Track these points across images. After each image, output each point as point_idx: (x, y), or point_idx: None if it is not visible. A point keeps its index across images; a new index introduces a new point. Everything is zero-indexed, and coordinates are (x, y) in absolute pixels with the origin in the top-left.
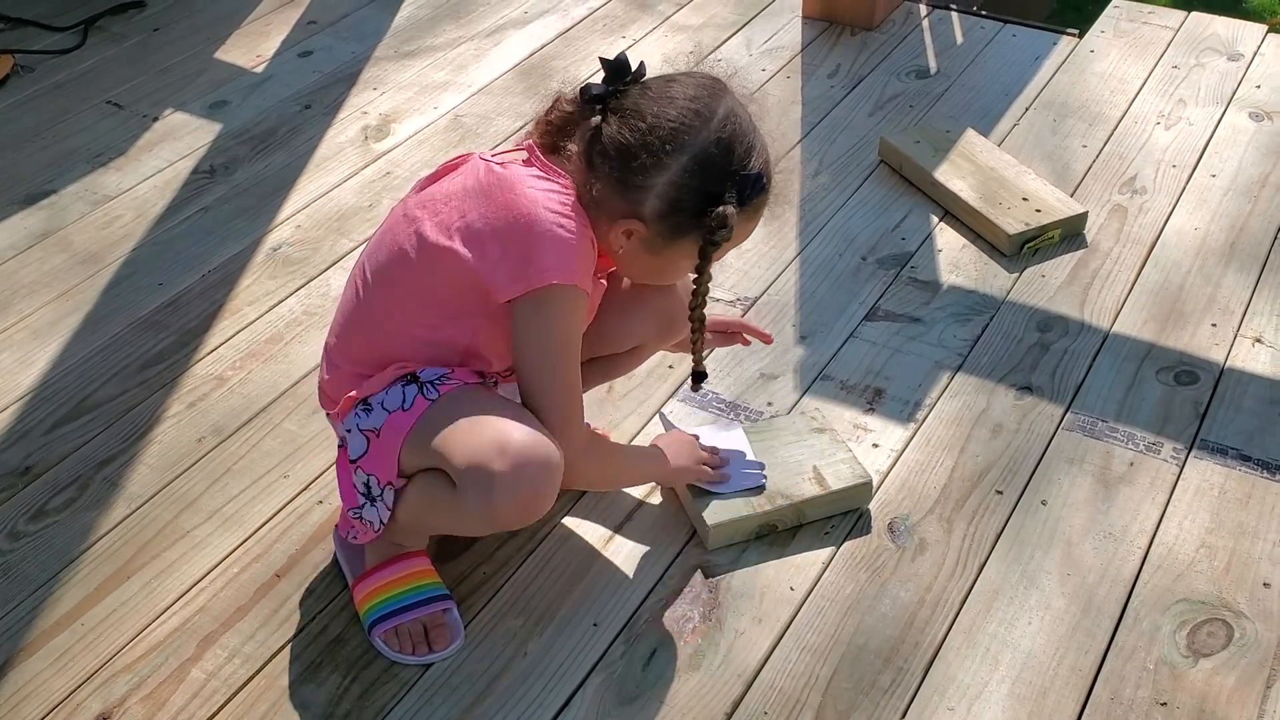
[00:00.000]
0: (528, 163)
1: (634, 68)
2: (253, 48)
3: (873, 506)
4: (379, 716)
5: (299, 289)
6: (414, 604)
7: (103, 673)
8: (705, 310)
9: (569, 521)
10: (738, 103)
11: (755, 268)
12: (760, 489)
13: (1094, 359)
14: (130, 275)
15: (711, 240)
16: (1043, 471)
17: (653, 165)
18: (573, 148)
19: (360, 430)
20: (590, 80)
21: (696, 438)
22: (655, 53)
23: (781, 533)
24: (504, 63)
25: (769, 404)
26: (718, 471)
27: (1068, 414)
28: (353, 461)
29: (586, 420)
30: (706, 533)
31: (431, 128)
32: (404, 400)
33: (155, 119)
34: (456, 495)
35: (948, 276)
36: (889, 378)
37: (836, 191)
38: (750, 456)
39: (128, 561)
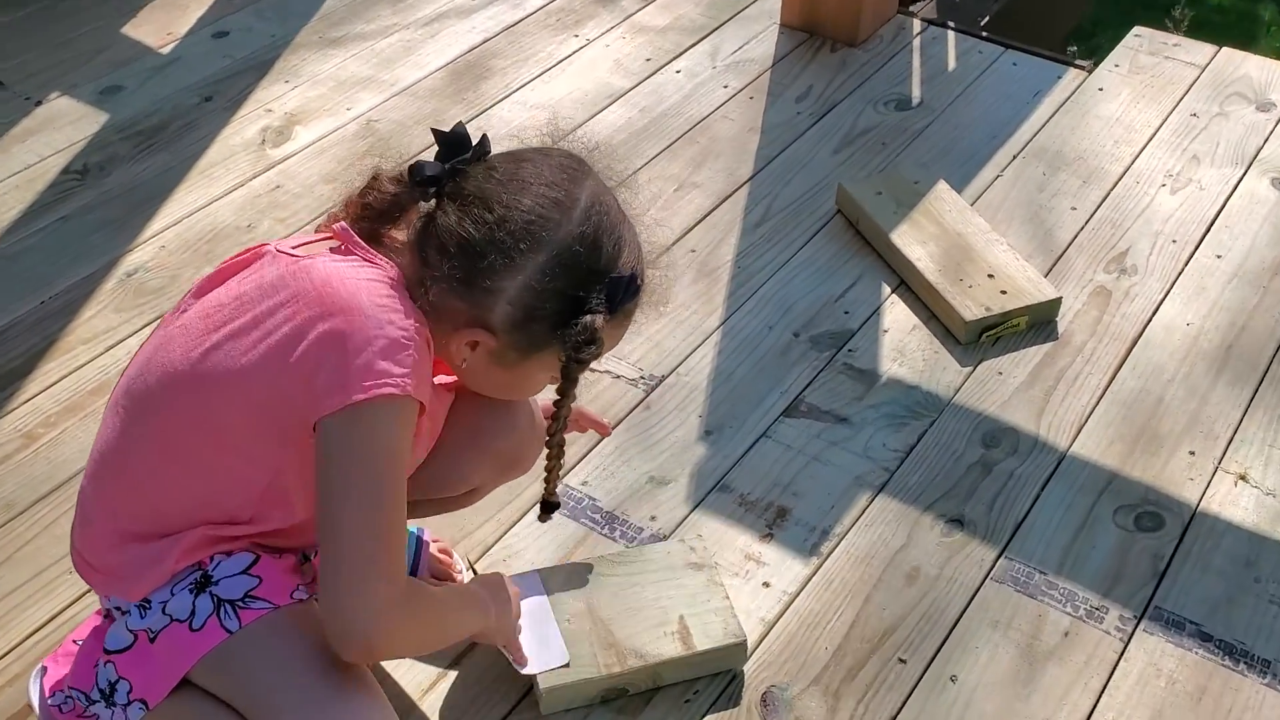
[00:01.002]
0: (341, 251)
1: (475, 141)
2: (166, 23)
3: (748, 668)
4: None
5: (144, 326)
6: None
7: None
8: (563, 432)
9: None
10: (603, 188)
11: (669, 338)
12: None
13: (1043, 487)
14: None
15: (577, 358)
16: (959, 636)
17: (503, 266)
18: (400, 236)
19: (129, 628)
20: (427, 155)
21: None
22: (606, 58)
23: (634, 696)
24: (436, 59)
25: (652, 518)
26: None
27: (1000, 559)
28: (107, 651)
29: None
30: (540, 696)
31: (339, 134)
32: (193, 616)
33: (38, 103)
34: None
35: (889, 365)
36: (798, 494)
37: (780, 246)
38: (551, 624)
39: None
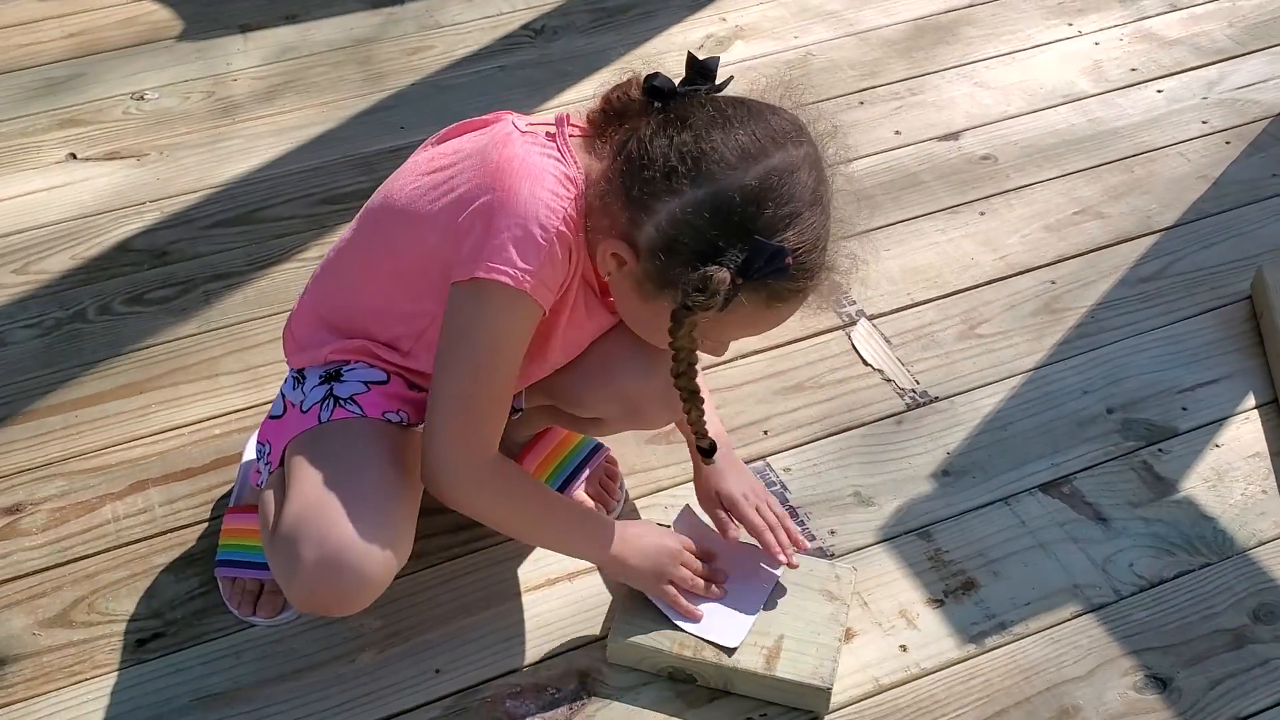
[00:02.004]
0: (551, 136)
1: (719, 79)
2: None
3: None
4: (193, 642)
5: None
6: (264, 564)
7: (51, 469)
8: (693, 378)
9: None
10: (810, 164)
11: (966, 362)
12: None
13: None
14: (389, 109)
15: (686, 303)
16: None
17: (663, 188)
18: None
19: (282, 393)
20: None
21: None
22: (1086, 57)
23: (701, 689)
24: (910, 10)
25: (831, 532)
26: (689, 601)
27: None
28: (271, 416)
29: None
30: (610, 641)
31: (771, 59)
32: (309, 398)
33: None
34: (271, 536)
35: (1196, 485)
36: (999, 574)
37: (1154, 311)
38: (757, 611)
39: (154, 378)
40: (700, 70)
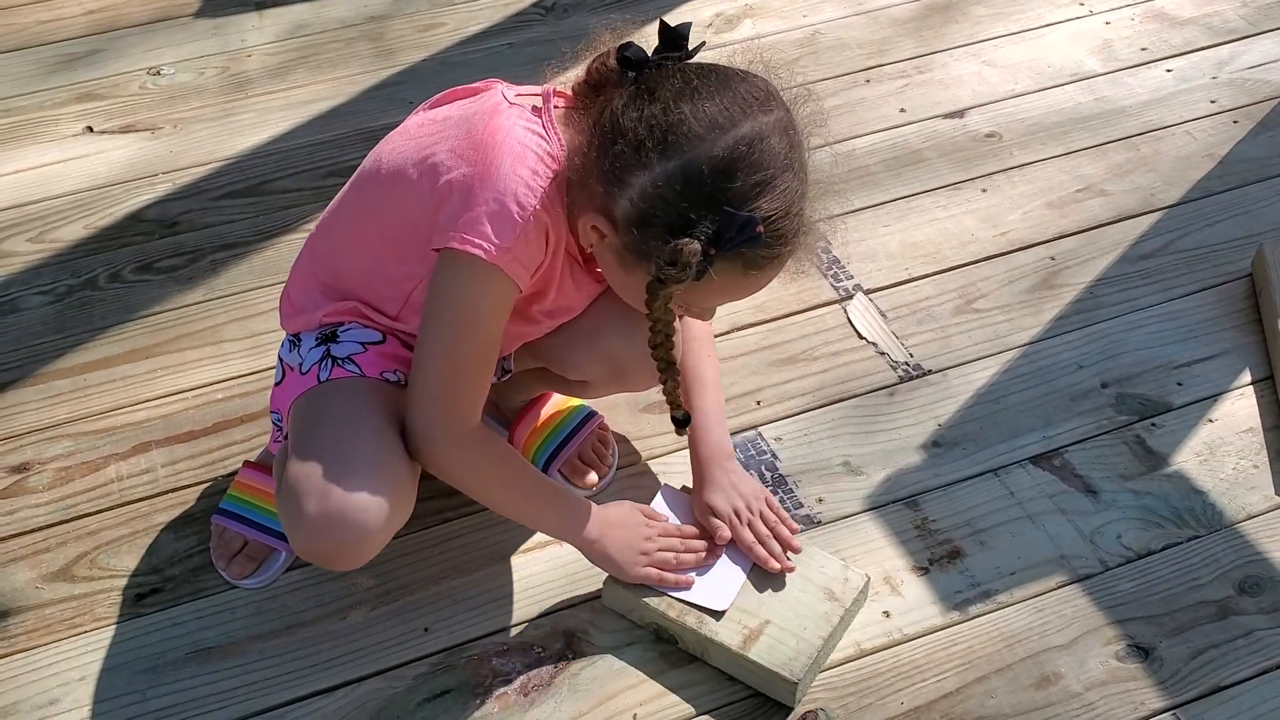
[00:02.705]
0: (537, 110)
1: (692, 44)
2: None
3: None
4: (190, 597)
5: None
6: (258, 525)
7: (59, 430)
8: (670, 349)
9: None
10: (781, 130)
11: (962, 336)
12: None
13: None
14: (398, 84)
15: (658, 276)
16: None
17: (633, 161)
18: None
19: (283, 360)
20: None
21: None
22: (1097, 36)
23: (683, 652)
24: None
25: (819, 500)
26: (672, 572)
27: (1166, 714)
28: (275, 383)
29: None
30: (605, 584)
31: (779, 37)
32: (307, 360)
33: None
34: (280, 492)
35: (1187, 458)
36: (985, 544)
37: (1153, 288)
38: (748, 570)
39: (161, 343)
40: (671, 39)
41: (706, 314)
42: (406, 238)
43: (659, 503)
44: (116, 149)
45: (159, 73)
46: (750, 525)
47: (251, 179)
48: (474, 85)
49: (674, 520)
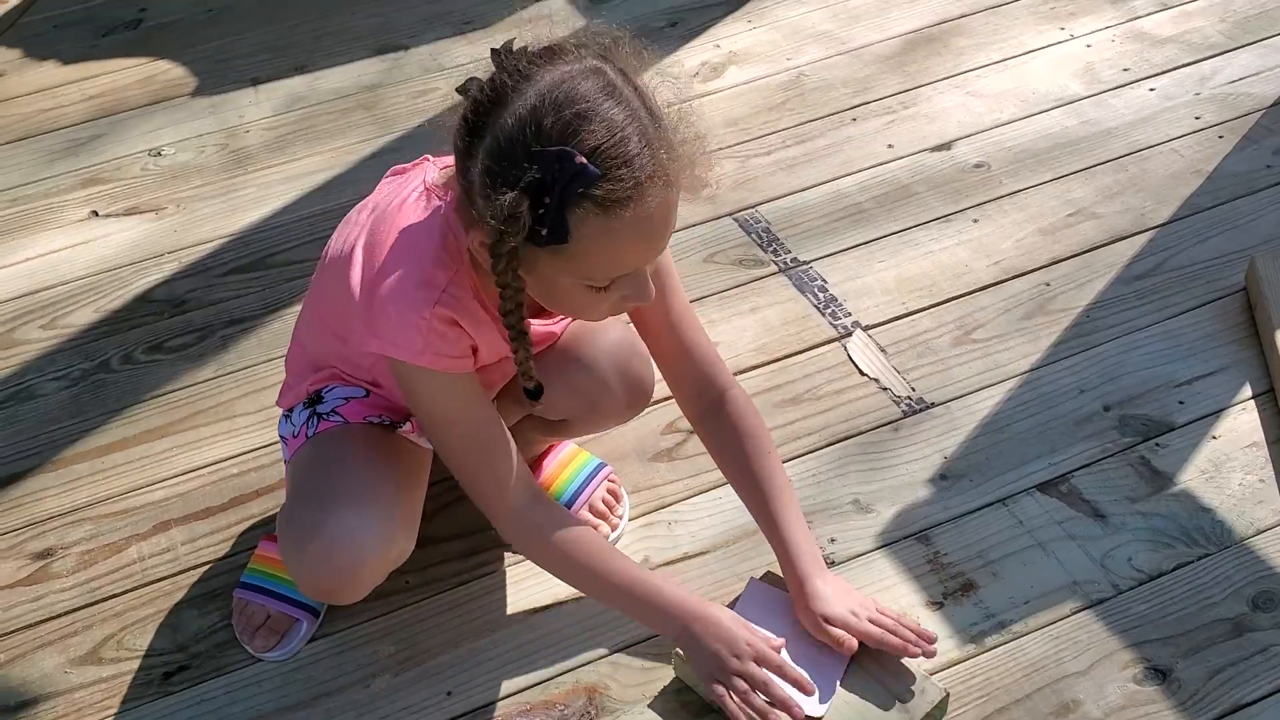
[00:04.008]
0: (428, 191)
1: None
2: None
3: None
4: (216, 673)
5: None
6: (278, 595)
7: (80, 513)
8: (520, 318)
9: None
10: (592, 73)
11: (963, 367)
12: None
13: None
14: (398, 150)
15: (496, 236)
16: None
17: (467, 162)
18: None
19: (281, 437)
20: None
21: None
22: (1079, 59)
23: (706, 706)
24: (902, 25)
25: (831, 540)
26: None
27: None
28: (285, 460)
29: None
30: (675, 657)
31: (765, 81)
32: (297, 424)
33: (539, 0)
34: (280, 539)
35: (1194, 477)
36: (997, 575)
37: (1149, 308)
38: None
39: (176, 421)
40: (496, 58)
41: (638, 292)
42: (347, 325)
43: (748, 601)
44: (122, 231)
45: (160, 153)
46: (872, 620)
47: (256, 253)
48: (404, 166)
49: (765, 623)
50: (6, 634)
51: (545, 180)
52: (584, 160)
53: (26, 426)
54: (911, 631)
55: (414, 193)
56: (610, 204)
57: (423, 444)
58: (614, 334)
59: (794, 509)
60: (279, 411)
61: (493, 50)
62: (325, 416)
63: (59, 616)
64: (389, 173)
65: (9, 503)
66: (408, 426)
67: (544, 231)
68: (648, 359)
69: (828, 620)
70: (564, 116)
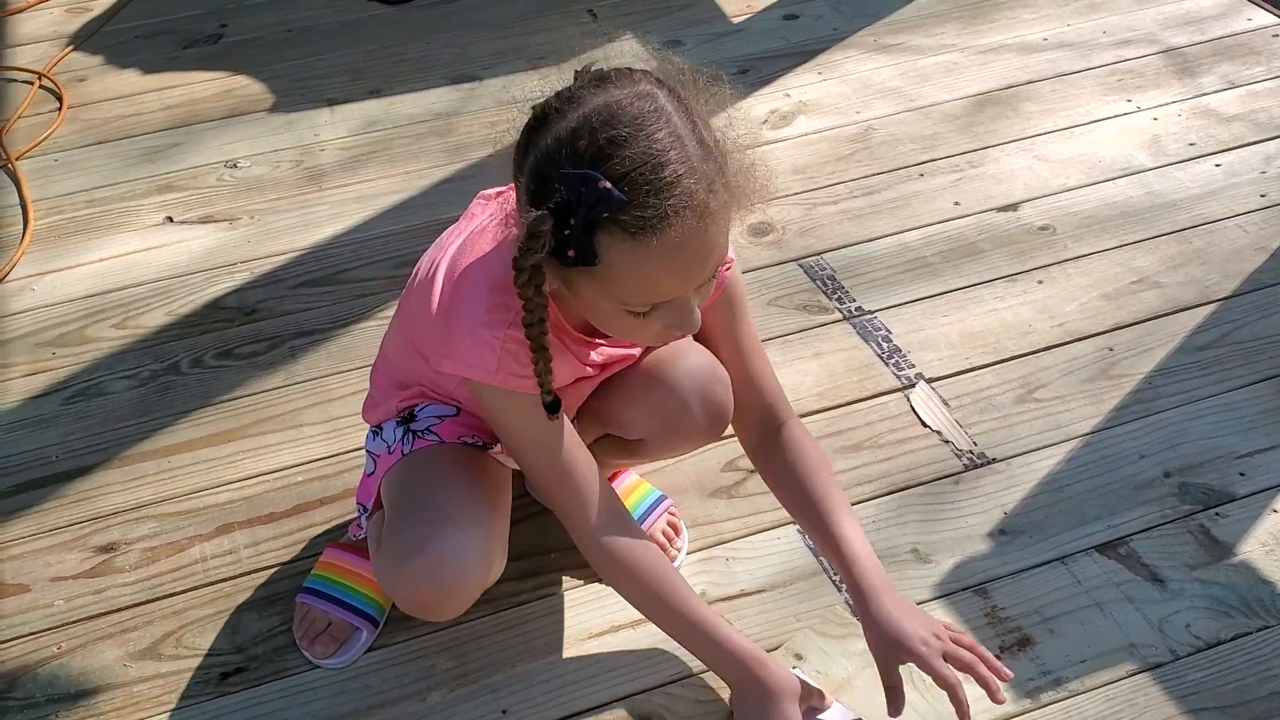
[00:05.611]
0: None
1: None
2: None
3: None
4: (273, 677)
5: None
6: (341, 602)
7: (144, 510)
8: (542, 332)
9: (594, 589)
10: (641, 97)
11: (1025, 425)
12: None
13: None
14: (470, 178)
15: (520, 250)
16: None
17: (516, 172)
18: None
19: (370, 451)
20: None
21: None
22: (1145, 132)
23: None
24: (971, 86)
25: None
26: None
27: None
28: (366, 474)
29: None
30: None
31: (835, 132)
32: (390, 441)
33: (612, 40)
34: (378, 553)
35: (1253, 548)
36: (1054, 632)
37: (1211, 379)
38: None
39: (243, 426)
40: (575, 77)
41: (679, 320)
42: (429, 345)
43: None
44: (196, 239)
45: (236, 165)
46: (948, 649)
47: (327, 268)
48: (493, 191)
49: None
50: (69, 624)
51: (570, 202)
52: (608, 185)
53: (95, 422)
54: (987, 667)
55: (495, 218)
56: (638, 231)
57: (509, 464)
58: (697, 357)
59: (856, 527)
60: (346, 422)
61: (575, 72)
62: (421, 434)
63: (120, 610)
64: (479, 196)
65: (75, 495)
66: (498, 448)
67: (570, 253)
68: (728, 384)
69: (902, 652)
70: (598, 140)
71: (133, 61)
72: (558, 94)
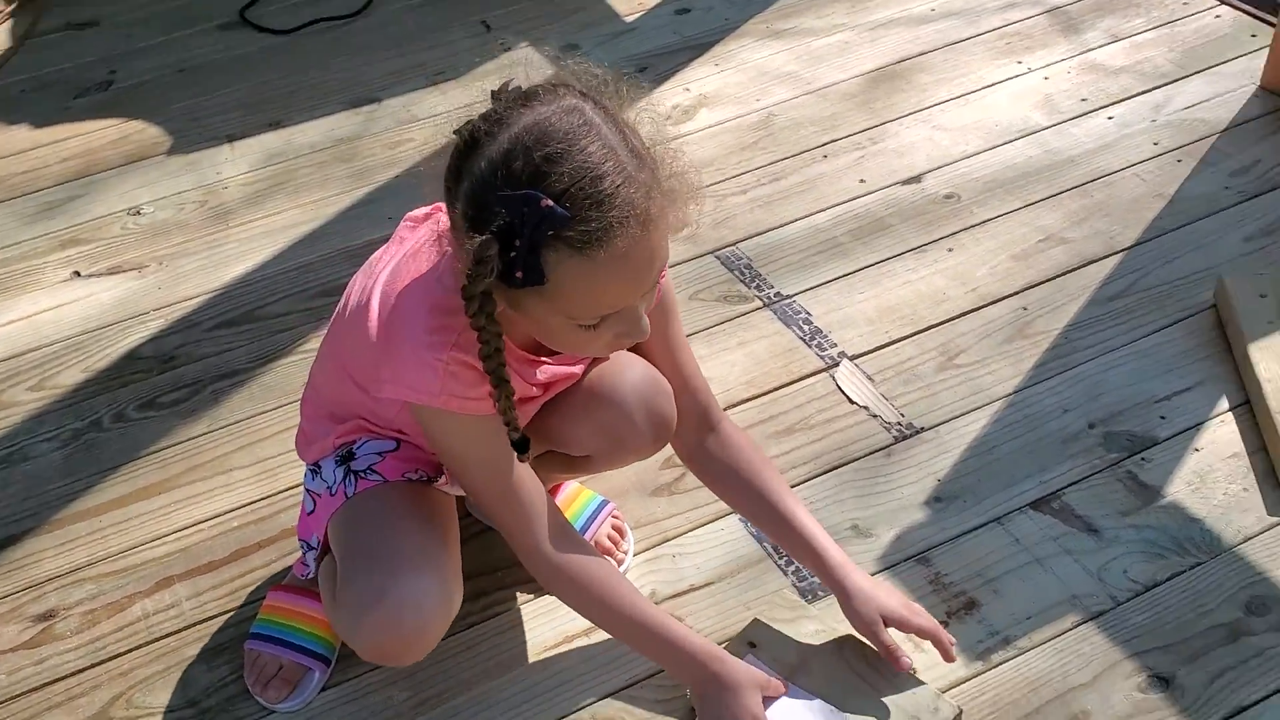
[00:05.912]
0: (440, 236)
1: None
2: None
3: None
4: None
5: None
6: (291, 644)
7: (80, 572)
8: (500, 364)
9: (544, 603)
10: (569, 111)
11: (948, 392)
12: None
13: None
14: (374, 201)
15: (466, 279)
16: None
17: (449, 197)
18: None
19: (309, 490)
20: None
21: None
22: (1038, 91)
23: None
24: (864, 64)
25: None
26: None
27: None
28: (306, 512)
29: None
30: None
31: (736, 122)
32: (331, 482)
33: (509, 49)
34: (333, 604)
35: (1180, 488)
36: (998, 592)
37: (1124, 328)
38: None
39: (173, 477)
40: (492, 97)
41: (630, 328)
42: (368, 373)
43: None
44: (105, 290)
45: (139, 212)
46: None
47: (242, 307)
48: (419, 213)
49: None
50: (13, 698)
51: (513, 224)
52: (550, 203)
53: (20, 489)
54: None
55: (426, 240)
56: (584, 245)
57: (455, 491)
58: (639, 370)
59: (808, 514)
60: (276, 462)
61: (492, 93)
62: (363, 474)
63: (65, 678)
64: (405, 219)
65: (7, 565)
66: (442, 480)
67: (519, 274)
68: (671, 396)
69: (885, 616)
70: (534, 159)
71: (23, 116)
72: (483, 116)
